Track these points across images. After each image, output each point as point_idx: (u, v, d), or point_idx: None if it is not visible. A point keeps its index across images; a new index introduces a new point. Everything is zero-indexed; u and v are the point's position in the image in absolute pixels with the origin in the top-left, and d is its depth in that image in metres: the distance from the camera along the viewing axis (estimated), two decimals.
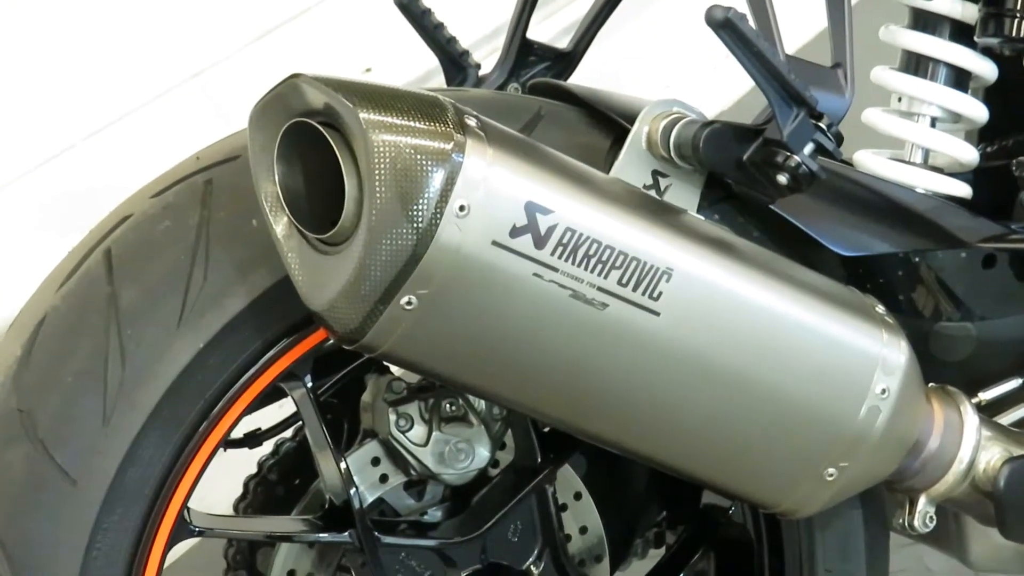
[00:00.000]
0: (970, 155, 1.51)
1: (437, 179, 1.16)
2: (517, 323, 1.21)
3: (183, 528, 1.33)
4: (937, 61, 1.51)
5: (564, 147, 1.31)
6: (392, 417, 1.38)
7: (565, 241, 1.19)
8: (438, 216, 1.16)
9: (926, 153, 1.50)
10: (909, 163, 1.50)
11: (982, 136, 1.55)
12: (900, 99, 1.53)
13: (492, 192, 1.18)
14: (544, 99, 1.43)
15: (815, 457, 1.31)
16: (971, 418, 1.41)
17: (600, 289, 1.21)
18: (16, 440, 1.27)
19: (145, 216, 1.33)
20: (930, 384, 1.41)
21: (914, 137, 1.51)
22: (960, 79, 1.51)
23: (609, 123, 1.38)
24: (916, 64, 1.52)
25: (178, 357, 1.29)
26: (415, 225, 1.16)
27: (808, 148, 1.28)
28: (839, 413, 1.30)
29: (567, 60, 1.66)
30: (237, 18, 2.44)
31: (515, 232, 1.18)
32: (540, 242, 1.19)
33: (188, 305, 1.29)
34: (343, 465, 1.37)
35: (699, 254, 1.26)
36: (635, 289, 1.22)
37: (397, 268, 1.16)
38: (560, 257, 1.19)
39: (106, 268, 1.30)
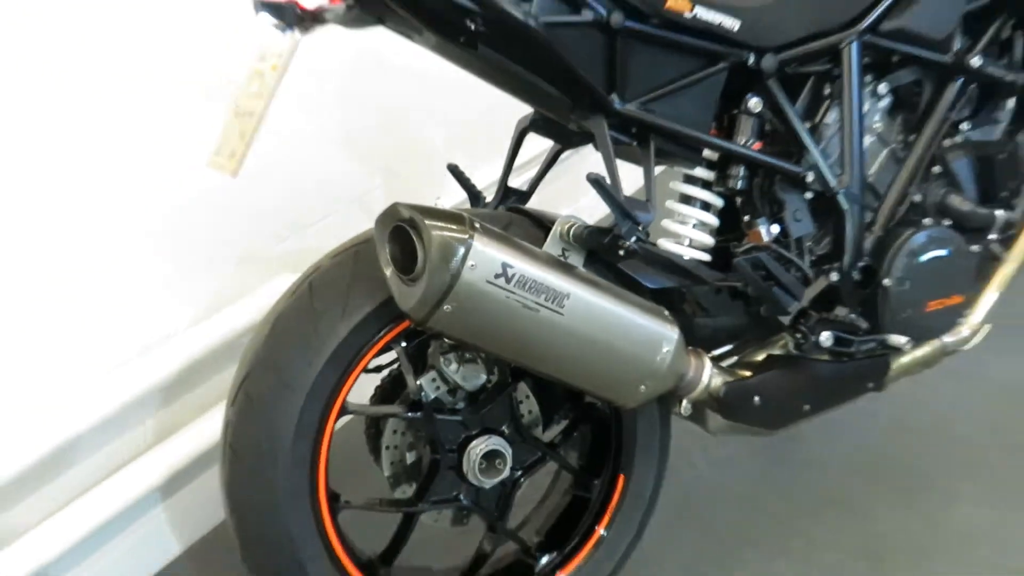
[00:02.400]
0: (710, 241, 1.48)
1: (460, 252, 1.15)
2: (498, 318, 1.19)
3: (344, 411, 1.32)
4: (695, 198, 1.49)
5: (522, 237, 1.29)
6: (442, 359, 1.36)
7: (520, 281, 1.18)
8: (460, 268, 1.15)
9: (690, 240, 1.48)
10: (683, 245, 1.48)
11: (719, 232, 1.51)
12: (678, 215, 1.50)
13: (487, 258, 1.17)
14: (514, 215, 1.40)
15: (634, 379, 1.29)
16: (707, 363, 1.40)
17: (535, 303, 1.20)
18: (268, 373, 1.27)
19: (328, 267, 1.31)
20: (690, 347, 1.40)
21: (685, 233, 1.48)
22: (706, 206, 1.49)
23: (543, 226, 1.36)
24: (686, 199, 1.50)
25: (342, 332, 1.27)
26: (450, 273, 1.15)
27: (633, 239, 1.27)
28: (646, 359, 1.28)
29: (527, 195, 1.63)
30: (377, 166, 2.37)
31: (497, 276, 1.17)
32: (508, 281, 1.18)
33: (347, 309, 1.28)
34: (419, 381, 1.36)
35: (581, 287, 1.24)
36: (551, 303, 1.20)
37: (441, 292, 1.15)
38: (517, 288, 1.18)
39: (309, 292, 1.29)
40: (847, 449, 1.87)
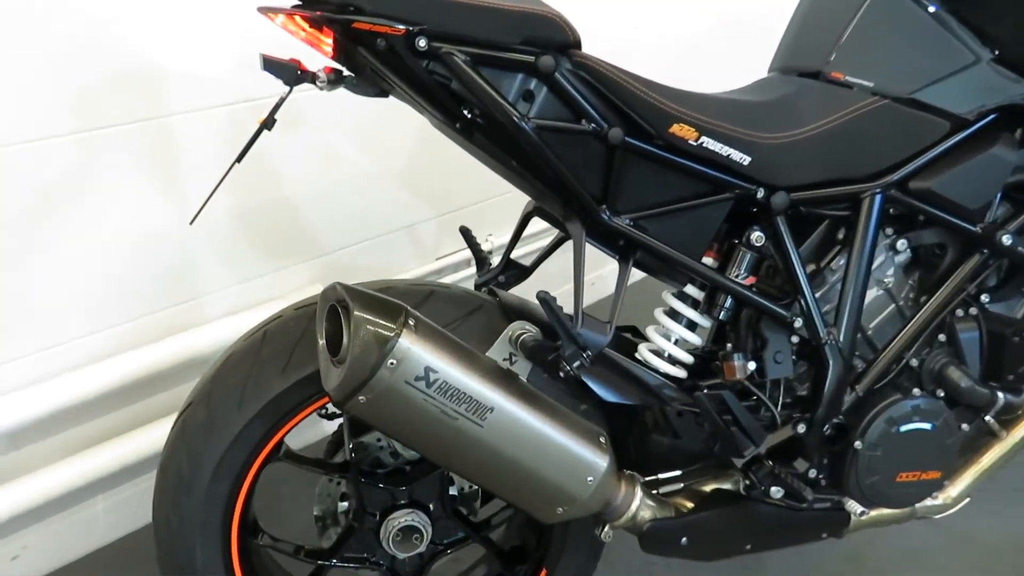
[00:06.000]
0: (688, 359, 1.19)
1: (384, 348, 0.92)
2: (413, 418, 0.96)
3: (275, 454, 1.13)
4: (681, 315, 1.20)
5: (482, 328, 1.08)
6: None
7: (441, 387, 0.95)
8: (379, 364, 0.92)
9: (669, 355, 1.18)
10: (660, 358, 1.18)
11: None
12: (662, 328, 1.21)
13: (411, 358, 0.94)
14: (487, 300, 1.16)
15: (552, 502, 1.04)
16: (638, 494, 1.13)
17: (455, 411, 0.96)
18: (202, 405, 1.09)
19: (286, 318, 1.12)
20: (626, 470, 1.13)
21: (665, 347, 1.18)
22: (692, 325, 1.20)
23: (510, 318, 1.11)
24: (674, 314, 1.21)
25: (281, 385, 1.08)
26: (369, 366, 0.92)
27: (576, 363, 1.02)
28: (567, 487, 1.03)
29: (527, 271, 1.35)
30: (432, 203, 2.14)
31: (417, 379, 0.94)
32: (429, 385, 0.95)
33: (287, 366, 1.08)
34: (363, 439, 1.17)
35: (509, 402, 0.99)
36: (473, 414, 0.97)
37: (358, 383, 0.93)
38: (438, 394, 0.95)
39: (261, 339, 1.10)
40: (803, 570, 1.55)
